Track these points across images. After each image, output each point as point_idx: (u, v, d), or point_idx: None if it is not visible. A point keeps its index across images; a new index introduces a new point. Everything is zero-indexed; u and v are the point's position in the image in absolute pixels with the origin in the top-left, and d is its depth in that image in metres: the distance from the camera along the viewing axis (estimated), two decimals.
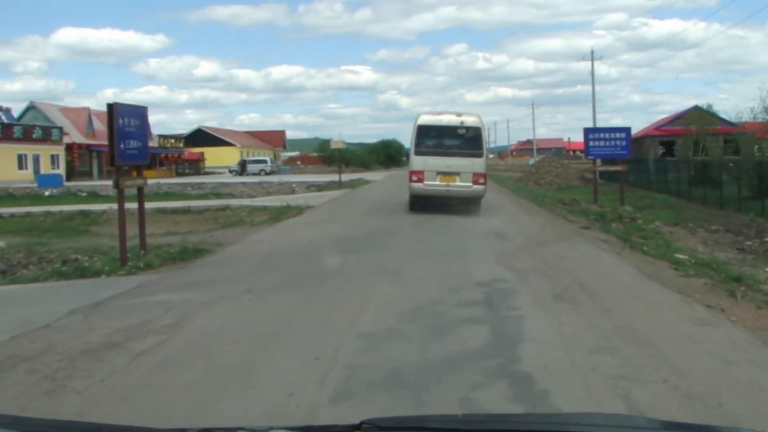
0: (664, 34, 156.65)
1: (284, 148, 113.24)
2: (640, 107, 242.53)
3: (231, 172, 70.14)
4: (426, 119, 18.70)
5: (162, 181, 47.05)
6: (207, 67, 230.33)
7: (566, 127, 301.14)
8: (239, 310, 7.45)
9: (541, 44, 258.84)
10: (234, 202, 27.32)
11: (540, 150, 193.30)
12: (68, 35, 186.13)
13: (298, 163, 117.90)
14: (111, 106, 10.94)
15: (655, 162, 38.01)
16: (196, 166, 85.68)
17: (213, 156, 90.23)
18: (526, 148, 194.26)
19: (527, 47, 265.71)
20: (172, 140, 69.60)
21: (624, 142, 23.34)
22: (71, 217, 26.68)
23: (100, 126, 61.39)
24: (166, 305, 7.76)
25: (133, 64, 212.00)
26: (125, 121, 11.28)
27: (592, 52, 52.52)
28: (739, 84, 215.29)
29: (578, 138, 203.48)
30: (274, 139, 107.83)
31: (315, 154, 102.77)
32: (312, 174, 70.16)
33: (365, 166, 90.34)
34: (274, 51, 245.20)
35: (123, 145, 11.20)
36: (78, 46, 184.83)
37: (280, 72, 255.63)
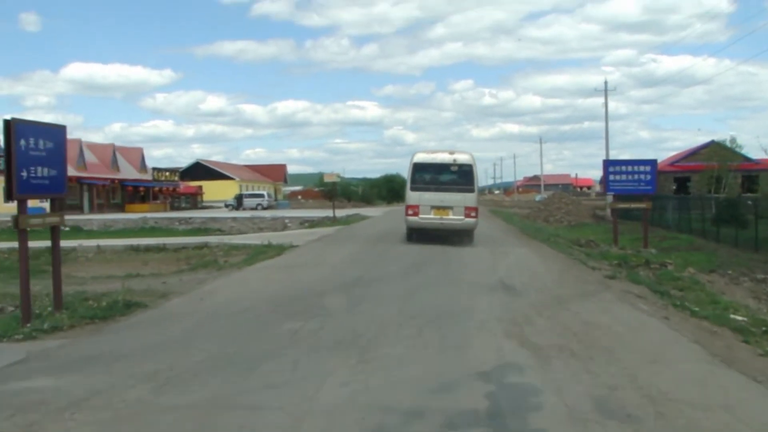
0: (673, 70, 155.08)
1: (285, 182, 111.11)
2: (648, 143, 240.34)
3: (227, 206, 67.78)
4: (421, 157, 19.94)
5: (150, 215, 44.80)
6: (214, 102, 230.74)
7: (573, 163, 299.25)
8: (117, 417, 4.87)
9: (548, 80, 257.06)
10: (215, 239, 24.85)
11: (547, 186, 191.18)
12: (77, 70, 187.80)
13: (299, 197, 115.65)
14: (8, 123, 8.47)
15: (678, 199, 35.38)
16: (193, 199, 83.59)
17: (211, 190, 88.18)
18: (532, 184, 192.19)
19: (534, 83, 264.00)
20: (167, 173, 67.42)
21: (649, 176, 20.74)
22: (38, 254, 24.15)
23: (92, 158, 59.43)
24: (24, 399, 5.39)
25: (140, 99, 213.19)
26: (30, 142, 8.79)
27: (605, 82, 50.43)
28: (750, 120, 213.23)
29: (585, 174, 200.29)
30: (274, 173, 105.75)
31: (316, 189, 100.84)
32: (311, 209, 67.74)
33: (367, 200, 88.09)
34: (281, 86, 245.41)
35: (26, 172, 8.71)
36: (87, 81, 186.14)
37: (286, 107, 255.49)
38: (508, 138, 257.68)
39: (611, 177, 21.12)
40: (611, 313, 9.09)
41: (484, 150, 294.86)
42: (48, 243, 28.49)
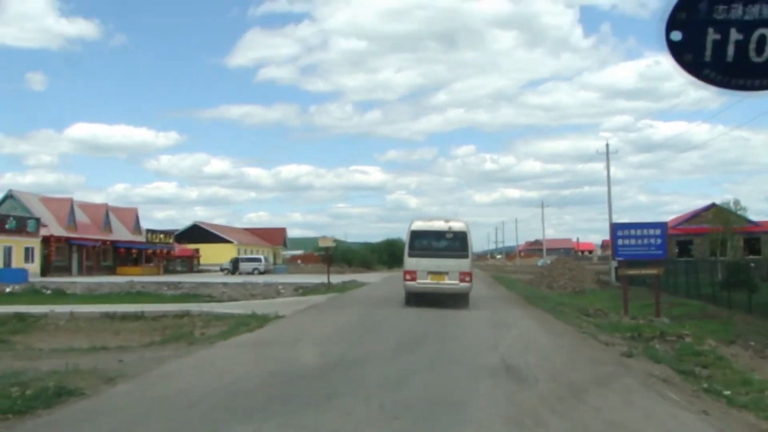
0: (669, 136, 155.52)
1: (285, 246, 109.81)
2: (647, 207, 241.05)
3: (222, 270, 66.31)
4: (418, 225, 21.21)
5: (140, 278, 43.13)
6: (218, 165, 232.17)
7: (573, 227, 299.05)
8: None
9: (548, 146, 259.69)
10: (197, 308, 23.26)
11: (549, 251, 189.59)
12: (82, 130, 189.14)
13: (299, 262, 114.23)
14: None
15: (686, 263, 33.86)
16: (189, 263, 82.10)
17: (209, 253, 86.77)
18: (534, 248, 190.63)
19: (534, 149, 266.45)
20: (161, 236, 66.09)
21: (660, 240, 19.35)
22: (5, 320, 22.59)
23: (84, 218, 58.21)
24: None
25: (144, 161, 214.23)
26: None
27: (607, 145, 49.28)
28: (743, 185, 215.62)
29: (586, 238, 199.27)
30: (274, 237, 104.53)
31: (316, 254, 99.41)
32: (309, 274, 66.23)
33: (367, 265, 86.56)
34: (284, 150, 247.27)
35: None
36: (91, 141, 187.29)
37: (289, 171, 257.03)
38: (509, 203, 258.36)
39: (619, 241, 19.74)
40: (638, 406, 7.51)
41: (486, 215, 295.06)
42: (14, 308, 26.33)
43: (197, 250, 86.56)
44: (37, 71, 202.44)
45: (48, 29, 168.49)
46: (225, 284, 37.39)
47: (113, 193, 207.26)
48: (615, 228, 20.73)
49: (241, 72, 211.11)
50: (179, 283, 38.02)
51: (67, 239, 53.32)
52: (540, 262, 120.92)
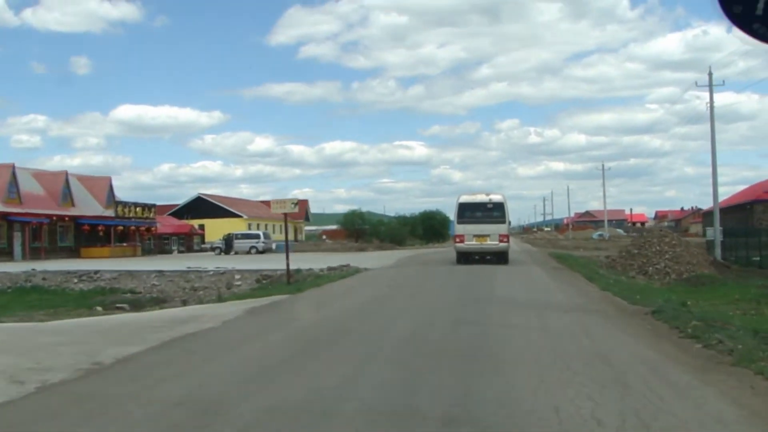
0: (717, 106, 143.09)
1: (307, 220, 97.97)
2: (693, 180, 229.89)
3: (214, 249, 54.80)
4: (465, 198, 26.75)
5: (67, 266, 31.32)
6: (261, 143, 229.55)
7: (619, 200, 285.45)
8: None
9: (593, 119, 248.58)
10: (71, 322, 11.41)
11: (599, 222, 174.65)
12: (127, 112, 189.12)
13: (324, 237, 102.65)
14: None
15: None
16: (188, 240, 70.98)
17: (215, 229, 75.55)
18: (584, 220, 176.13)
19: (579, 121, 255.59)
20: (137, 209, 54.52)
21: None
22: None
23: (35, 188, 46.98)
24: None
25: (189, 140, 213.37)
26: None
27: (710, 74, 35.46)
28: None
29: (639, 210, 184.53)
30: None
31: (341, 228, 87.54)
32: (320, 252, 54.29)
33: (398, 240, 74.08)
34: (328, 127, 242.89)
35: None
36: (136, 123, 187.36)
37: (333, 147, 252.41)
38: (554, 176, 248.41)
39: None
40: None
41: (530, 188, 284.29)
42: None
43: (197, 227, 75.49)
44: (81, 55, 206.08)
45: (91, 12, 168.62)
46: (160, 273, 25.59)
47: (159, 173, 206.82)
48: None
49: (282, 50, 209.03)
50: (97, 272, 26.30)
51: (5, 215, 42.09)
52: (595, 235, 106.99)
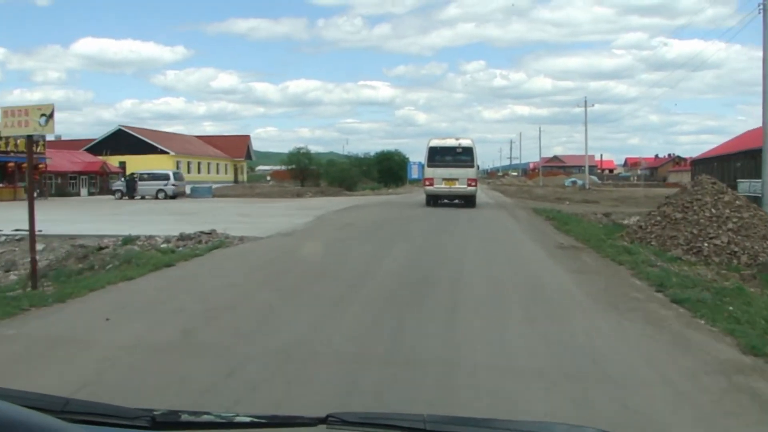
0: (684, 54, 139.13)
1: (249, 158, 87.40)
2: (657, 128, 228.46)
3: (114, 192, 44.51)
4: (435, 142, 27.28)
5: None
6: (225, 80, 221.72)
7: (581, 146, 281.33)
8: None
9: (560, 63, 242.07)
10: None
11: (568, 168, 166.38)
12: (88, 45, 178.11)
13: (267, 178, 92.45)
14: None
15: None
16: (102, 181, 60.35)
17: (138, 167, 64.96)
18: (553, 165, 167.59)
19: (545, 65, 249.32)
20: (18, 141, 43.63)
21: None
22: None
23: None
24: None
25: (151, 76, 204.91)
26: None
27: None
28: (758, 106, 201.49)
29: (609, 156, 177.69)
30: (233, 147, 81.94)
31: (285, 168, 77.34)
32: (246, 198, 44.58)
33: (347, 183, 64.33)
34: (293, 65, 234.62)
35: None
36: (98, 57, 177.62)
37: (297, 86, 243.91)
38: (519, 120, 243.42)
39: None
40: None
41: (495, 131, 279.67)
42: None
43: (122, 164, 64.98)
44: None
45: None
46: None
47: (121, 108, 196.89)
48: None
49: None
50: None
51: None
52: (568, 182, 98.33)
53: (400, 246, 12.92)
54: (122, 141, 67.44)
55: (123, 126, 69.16)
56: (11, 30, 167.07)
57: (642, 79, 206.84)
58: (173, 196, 42.23)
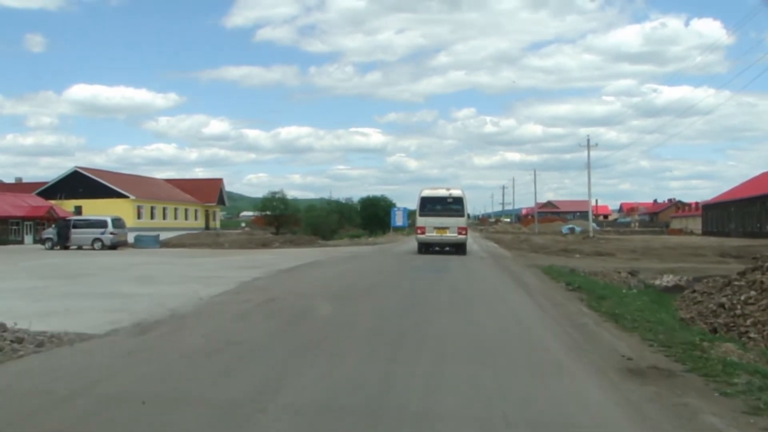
0: (673, 100, 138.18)
1: (223, 204, 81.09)
2: (648, 173, 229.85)
3: (44, 241, 38.07)
4: (427, 192, 28.06)
5: None
6: (217, 126, 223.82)
7: (573, 192, 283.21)
8: None
9: (550, 109, 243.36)
10: None
11: (561, 214, 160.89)
12: (81, 92, 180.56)
13: (243, 225, 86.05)
14: None
15: None
16: (49, 227, 53.82)
17: (95, 212, 58.74)
18: (546, 210, 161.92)
19: (536, 112, 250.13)
20: None
21: None
22: None
23: None
24: None
25: (143, 122, 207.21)
26: None
27: None
28: (748, 151, 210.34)
29: (603, 202, 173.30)
30: (205, 190, 75.73)
31: (261, 215, 70.91)
32: (197, 249, 38.30)
33: (323, 231, 57.95)
34: (284, 111, 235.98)
35: None
36: (90, 103, 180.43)
37: (288, 132, 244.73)
38: (509, 166, 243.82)
39: None
40: None
41: (486, 178, 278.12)
42: None
43: (78, 209, 58.89)
44: (36, 32, 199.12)
45: None
46: None
47: (113, 154, 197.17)
48: None
49: (239, 32, 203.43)
50: None
51: None
52: (565, 228, 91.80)
53: (316, 369, 6.61)
54: (79, 184, 61.39)
55: (79, 168, 63.01)
56: (5, 75, 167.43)
57: (632, 126, 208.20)
58: (112, 246, 35.83)
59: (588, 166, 61.32)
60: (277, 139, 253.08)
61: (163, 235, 49.62)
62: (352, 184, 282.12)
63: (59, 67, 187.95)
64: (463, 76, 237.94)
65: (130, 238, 38.36)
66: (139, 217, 61.52)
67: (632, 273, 22.79)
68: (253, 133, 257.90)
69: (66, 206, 59.14)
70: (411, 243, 40.51)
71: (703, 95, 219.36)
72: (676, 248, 37.44)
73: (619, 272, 22.91)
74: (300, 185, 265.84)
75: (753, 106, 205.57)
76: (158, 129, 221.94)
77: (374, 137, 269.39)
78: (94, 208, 59.05)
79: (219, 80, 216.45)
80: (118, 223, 37.32)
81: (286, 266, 21.05)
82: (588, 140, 61.98)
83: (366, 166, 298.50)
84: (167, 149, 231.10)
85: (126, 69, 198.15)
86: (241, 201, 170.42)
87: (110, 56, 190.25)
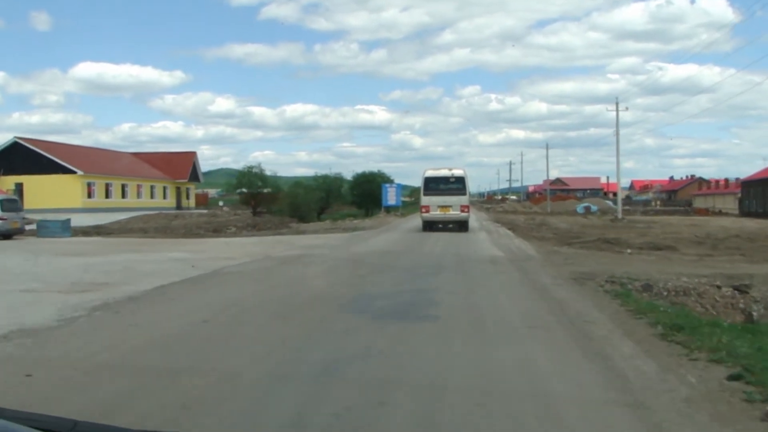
0: (678, 79, 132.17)
1: (197, 180, 72.25)
2: (653, 151, 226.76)
3: None
4: (430, 173, 29.35)
5: None
6: (223, 104, 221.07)
7: (578, 169, 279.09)
8: None
9: (555, 87, 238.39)
10: None
11: (571, 191, 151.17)
12: (87, 69, 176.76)
13: (220, 204, 77.49)
14: None
15: None
16: None
17: (38, 189, 50.45)
18: (556, 188, 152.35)
19: (540, 90, 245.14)
20: None
21: None
22: None
23: None
24: None
25: (149, 100, 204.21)
26: None
27: None
28: (753, 130, 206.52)
29: (611, 179, 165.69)
30: (175, 166, 66.94)
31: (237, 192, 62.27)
32: (132, 238, 29.91)
33: (305, 212, 49.35)
34: (290, 89, 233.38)
35: None
36: (96, 81, 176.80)
37: (294, 110, 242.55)
38: (514, 143, 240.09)
39: None
40: None
41: (491, 155, 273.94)
42: None
43: (18, 186, 50.72)
44: (41, 10, 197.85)
45: None
46: None
47: (120, 132, 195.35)
48: None
49: (244, 10, 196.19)
50: None
51: None
52: (579, 208, 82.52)
53: None
54: (19, 157, 52.68)
55: (20, 138, 54.23)
56: (10, 54, 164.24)
57: (637, 104, 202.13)
58: (6, 235, 27.30)
59: (617, 132, 52.73)
60: (283, 117, 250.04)
61: (113, 217, 41.21)
62: (358, 161, 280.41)
63: (65, 45, 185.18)
64: (468, 53, 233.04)
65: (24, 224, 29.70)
66: (89, 195, 52.99)
67: (740, 289, 14.17)
68: (258, 111, 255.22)
69: (5, 184, 50.79)
70: (400, 231, 31.85)
71: (708, 73, 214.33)
72: (746, 236, 28.57)
73: (718, 286, 14.37)
74: (306, 162, 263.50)
75: (757, 84, 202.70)
76: (164, 107, 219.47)
77: (379, 114, 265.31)
78: (37, 185, 50.68)
79: (224, 58, 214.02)
80: (9, 205, 28.65)
81: (215, 267, 12.48)
82: (617, 103, 53.13)
83: (371, 143, 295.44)
84: (174, 127, 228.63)
85: (132, 47, 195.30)
86: None
87: (116, 34, 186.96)
